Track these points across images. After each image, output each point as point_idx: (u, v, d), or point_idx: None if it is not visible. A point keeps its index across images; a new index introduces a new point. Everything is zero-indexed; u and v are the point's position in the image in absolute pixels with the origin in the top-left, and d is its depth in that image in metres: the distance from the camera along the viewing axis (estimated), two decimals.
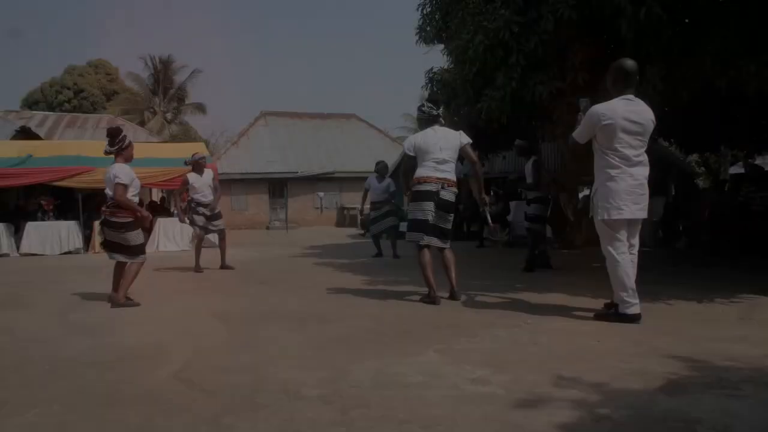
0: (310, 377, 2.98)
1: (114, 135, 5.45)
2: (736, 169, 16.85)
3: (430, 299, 5.09)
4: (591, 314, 4.35)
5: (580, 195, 17.05)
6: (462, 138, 5.11)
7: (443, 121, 5.30)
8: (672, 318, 4.19)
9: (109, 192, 5.37)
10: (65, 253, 12.32)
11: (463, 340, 3.72)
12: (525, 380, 2.85)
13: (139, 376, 3.11)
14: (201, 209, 8.02)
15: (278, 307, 5.13)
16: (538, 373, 2.94)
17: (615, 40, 5.40)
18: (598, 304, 4.78)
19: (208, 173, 8.21)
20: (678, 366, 3.00)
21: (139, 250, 5.47)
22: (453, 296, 5.18)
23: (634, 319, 4.01)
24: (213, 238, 9.30)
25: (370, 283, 6.47)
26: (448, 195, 5.05)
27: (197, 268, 7.97)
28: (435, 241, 5.11)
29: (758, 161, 13.43)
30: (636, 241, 4.16)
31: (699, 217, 10.01)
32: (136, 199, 5.57)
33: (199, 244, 8.21)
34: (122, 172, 5.29)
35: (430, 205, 4.99)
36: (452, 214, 5.19)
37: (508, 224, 12.41)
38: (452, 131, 5.19)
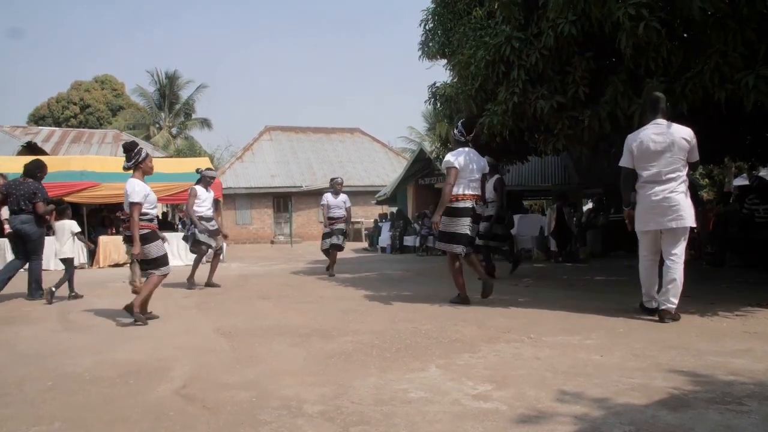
0: (312, 393, 2.98)
1: (129, 149, 5.36)
2: (741, 181, 16.82)
3: (460, 299, 5.76)
4: (593, 328, 4.37)
5: (584, 208, 17.06)
6: (486, 166, 5.93)
7: (471, 145, 5.87)
8: (675, 331, 4.17)
9: (125, 206, 5.31)
10: None
11: (465, 355, 3.71)
12: (527, 395, 2.84)
13: (141, 393, 3.11)
14: (204, 223, 8.06)
15: (281, 323, 5.13)
16: (541, 388, 2.94)
17: (615, 54, 5.43)
18: (602, 317, 4.79)
19: (211, 191, 8.26)
20: (681, 381, 2.99)
21: (160, 262, 5.36)
22: (485, 283, 5.77)
23: (651, 312, 4.67)
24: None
25: (373, 298, 6.47)
26: (479, 209, 5.81)
27: (191, 283, 8.01)
28: (466, 249, 5.74)
29: (762, 173, 13.39)
30: (677, 250, 4.52)
31: (703, 229, 9.97)
32: (154, 212, 5.44)
33: (199, 259, 8.23)
34: (134, 190, 5.16)
35: (468, 221, 5.66)
36: (478, 225, 5.93)
37: (512, 237, 12.37)
38: (481, 157, 5.88)
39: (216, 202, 8.53)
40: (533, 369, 3.32)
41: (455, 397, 2.85)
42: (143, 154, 5.39)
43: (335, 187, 9.43)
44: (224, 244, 8.34)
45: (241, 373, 3.43)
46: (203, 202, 8.06)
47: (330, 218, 9.37)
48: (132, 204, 5.13)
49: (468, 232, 5.64)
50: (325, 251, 9.56)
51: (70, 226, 7.28)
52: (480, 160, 5.80)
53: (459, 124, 5.91)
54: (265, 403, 2.86)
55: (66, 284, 7.09)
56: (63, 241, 7.22)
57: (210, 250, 8.24)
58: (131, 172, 5.38)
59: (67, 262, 7.25)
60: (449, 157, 5.72)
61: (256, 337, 4.47)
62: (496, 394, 2.89)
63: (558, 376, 3.15)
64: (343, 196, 9.45)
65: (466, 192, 5.65)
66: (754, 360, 3.37)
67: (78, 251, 12.20)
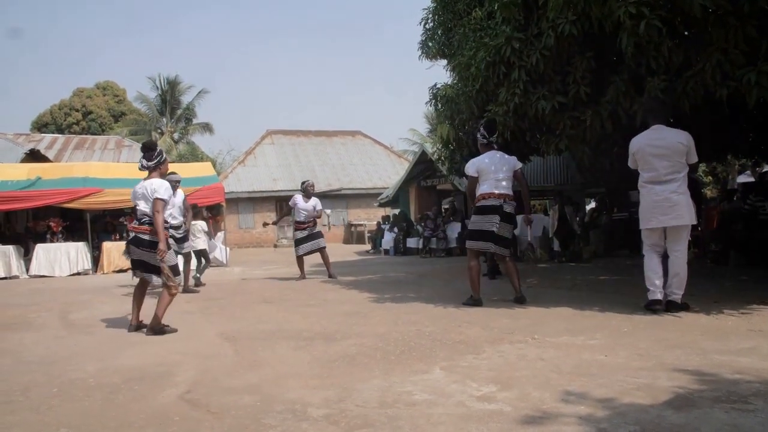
0: (317, 397, 2.98)
1: (152, 149, 5.12)
2: (744, 178, 16.77)
3: (473, 301, 5.68)
4: (597, 328, 4.35)
5: (587, 208, 17.03)
6: (516, 163, 5.75)
7: (496, 146, 5.79)
8: (680, 330, 4.16)
9: (142, 207, 4.99)
10: (74, 275, 12.38)
11: (469, 356, 3.70)
12: (532, 396, 2.83)
13: (145, 398, 3.12)
14: (171, 231, 7.48)
15: (284, 326, 5.13)
16: (545, 389, 2.93)
17: (616, 53, 5.42)
18: (606, 317, 4.79)
19: (180, 194, 7.85)
20: (686, 380, 2.98)
21: (172, 271, 5.06)
22: (519, 300, 5.71)
23: (652, 304, 4.80)
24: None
25: (377, 301, 6.46)
26: (509, 208, 5.64)
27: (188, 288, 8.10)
28: (495, 248, 5.65)
29: (766, 169, 13.34)
30: (679, 246, 4.81)
31: (707, 227, 9.94)
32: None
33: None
34: (162, 186, 4.93)
35: (496, 218, 5.57)
36: (512, 225, 5.75)
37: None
38: (508, 156, 5.76)
39: (218, 207, 8.48)
40: (537, 370, 3.31)
41: (459, 399, 2.84)
42: (164, 157, 5.22)
43: (307, 190, 9.39)
44: (190, 249, 8.27)
45: (245, 378, 3.43)
46: (168, 208, 7.48)
47: (298, 222, 9.37)
48: (159, 200, 4.86)
49: (495, 229, 5.53)
50: (299, 258, 9.43)
51: (201, 225, 9.02)
52: (507, 159, 5.68)
53: (480, 127, 5.78)
54: (269, 407, 2.86)
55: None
56: (196, 236, 8.78)
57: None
58: (146, 173, 5.12)
59: (203, 254, 8.86)
60: (468, 164, 5.70)
61: (260, 341, 4.47)
62: (500, 395, 2.88)
63: (562, 377, 3.14)
64: (313, 200, 9.41)
65: (493, 191, 5.57)
66: (760, 358, 3.36)
67: (83, 257, 12.30)
